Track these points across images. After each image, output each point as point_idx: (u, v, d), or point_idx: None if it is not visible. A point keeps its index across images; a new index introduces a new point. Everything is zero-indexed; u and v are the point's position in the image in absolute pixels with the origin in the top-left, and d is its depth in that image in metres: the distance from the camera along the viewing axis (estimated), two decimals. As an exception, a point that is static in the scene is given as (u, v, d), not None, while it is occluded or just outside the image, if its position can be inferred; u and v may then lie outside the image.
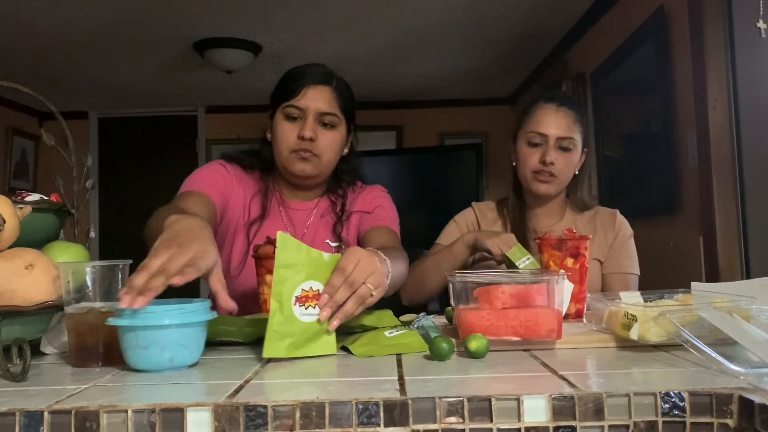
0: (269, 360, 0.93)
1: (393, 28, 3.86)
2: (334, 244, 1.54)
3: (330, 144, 1.46)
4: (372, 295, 0.99)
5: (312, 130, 1.43)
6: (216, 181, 1.46)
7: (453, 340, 0.92)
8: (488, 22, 3.78)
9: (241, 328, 1.06)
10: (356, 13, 3.62)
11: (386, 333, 1.02)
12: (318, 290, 0.96)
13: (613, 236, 1.66)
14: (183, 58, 4.33)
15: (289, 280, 0.94)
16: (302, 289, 0.95)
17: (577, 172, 1.66)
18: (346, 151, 1.55)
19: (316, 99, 1.44)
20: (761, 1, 1.79)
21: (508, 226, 1.68)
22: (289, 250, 0.96)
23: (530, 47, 4.20)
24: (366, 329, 1.11)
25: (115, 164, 5.61)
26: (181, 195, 1.40)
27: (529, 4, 3.50)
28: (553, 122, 1.59)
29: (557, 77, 4.01)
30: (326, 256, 0.99)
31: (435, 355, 0.90)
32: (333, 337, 0.97)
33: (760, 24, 1.79)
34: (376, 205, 1.56)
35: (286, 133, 1.44)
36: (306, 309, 0.95)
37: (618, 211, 1.71)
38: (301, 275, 0.95)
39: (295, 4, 3.47)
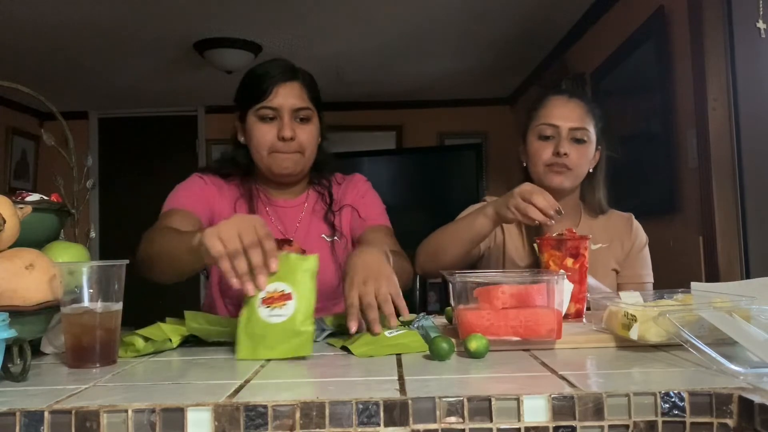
0: (269, 360, 0.93)
1: (393, 28, 3.86)
2: (329, 239, 1.53)
3: (309, 138, 1.46)
4: (391, 293, 1.05)
5: (291, 129, 1.42)
6: (198, 196, 1.46)
7: (453, 340, 0.92)
8: (488, 22, 3.78)
9: (234, 329, 1.06)
10: (356, 13, 3.62)
11: (386, 333, 1.02)
12: (283, 291, 0.96)
13: (629, 245, 1.61)
14: (183, 58, 4.33)
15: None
16: (267, 292, 0.96)
17: (591, 170, 1.59)
18: (319, 140, 1.53)
19: (289, 96, 1.43)
20: (761, 1, 1.79)
21: (523, 227, 1.61)
22: None
23: (530, 47, 4.20)
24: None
25: (115, 164, 5.60)
26: (167, 214, 1.41)
27: (529, 4, 3.50)
28: (565, 113, 1.53)
29: (557, 77, 4.00)
30: (292, 256, 0.99)
31: (435, 355, 0.90)
32: (307, 339, 0.95)
33: (760, 24, 1.79)
34: (366, 202, 1.57)
35: (263, 135, 1.43)
36: (272, 310, 0.96)
37: (633, 216, 1.65)
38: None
39: (295, 4, 3.47)
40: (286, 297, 0.96)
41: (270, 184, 1.53)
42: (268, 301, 0.96)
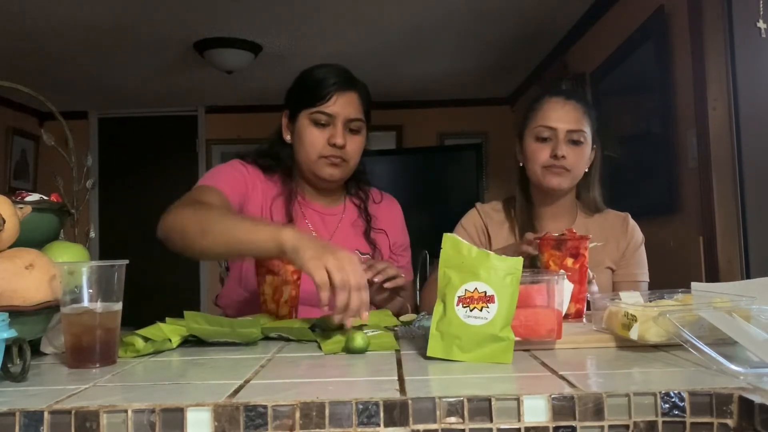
0: (270, 359, 0.93)
1: (393, 28, 3.86)
2: (364, 254, 1.54)
3: (357, 149, 1.48)
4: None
5: (343, 137, 1.44)
6: (236, 182, 1.45)
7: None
8: (488, 22, 3.78)
9: (234, 329, 1.06)
10: (356, 13, 3.62)
11: (364, 332, 1.03)
12: (484, 292, 0.90)
13: (625, 244, 1.62)
14: (183, 58, 4.33)
15: (452, 281, 0.92)
16: (465, 290, 0.91)
17: (587, 170, 1.61)
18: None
19: (345, 105, 1.44)
20: (761, 2, 1.79)
21: (516, 229, 1.63)
22: (452, 250, 0.93)
23: (530, 47, 4.20)
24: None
25: (115, 164, 5.60)
26: (201, 189, 1.39)
27: (529, 4, 3.50)
28: (562, 115, 1.54)
29: (557, 77, 4.01)
30: (493, 256, 0.92)
31: (350, 349, 0.96)
32: (508, 347, 0.89)
33: (760, 24, 1.79)
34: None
35: (315, 139, 1.44)
36: (471, 311, 0.90)
37: (629, 216, 1.66)
38: (464, 276, 0.91)
39: (295, 4, 3.47)
40: (487, 299, 0.90)
41: (309, 186, 1.54)
42: (466, 301, 0.90)
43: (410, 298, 1.64)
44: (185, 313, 1.08)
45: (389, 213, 1.64)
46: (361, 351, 0.96)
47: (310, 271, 1.00)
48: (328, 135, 1.44)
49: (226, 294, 1.56)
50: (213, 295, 1.64)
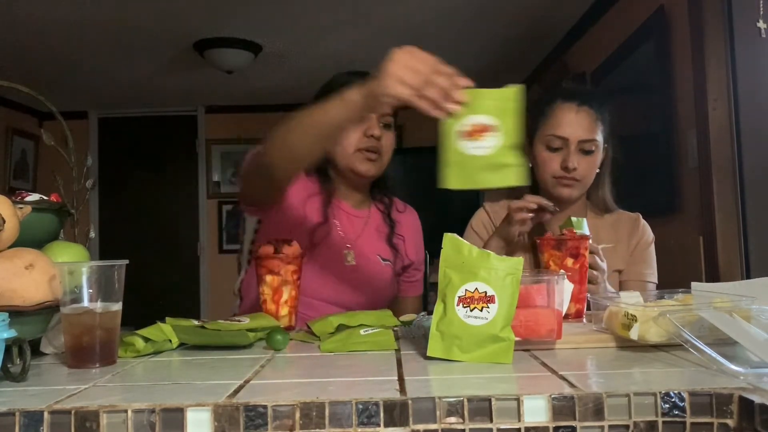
0: (269, 359, 0.93)
1: (393, 28, 3.86)
2: (384, 261, 1.57)
3: (390, 144, 1.53)
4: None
5: (379, 129, 1.48)
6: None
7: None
8: (488, 22, 3.78)
9: (214, 339, 1.05)
10: (356, 12, 3.62)
11: (361, 332, 1.05)
12: (484, 292, 0.90)
13: (635, 243, 1.58)
14: (183, 58, 4.33)
15: (452, 281, 0.92)
16: (466, 290, 0.91)
17: (597, 170, 1.56)
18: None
19: None
20: (761, 1, 1.79)
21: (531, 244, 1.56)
22: (452, 250, 0.93)
23: (530, 47, 4.20)
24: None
25: (115, 164, 5.60)
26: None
27: (529, 4, 3.51)
28: (574, 124, 1.48)
29: (557, 77, 4.01)
30: (493, 256, 0.92)
31: (270, 344, 1.01)
32: (508, 347, 0.89)
33: (760, 24, 1.79)
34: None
35: (351, 134, 1.47)
36: (471, 311, 0.90)
37: (641, 216, 1.63)
38: (464, 276, 0.92)
39: (295, 4, 3.47)
40: (487, 300, 0.90)
41: (342, 184, 1.56)
42: (467, 301, 0.90)
43: (418, 312, 1.64)
44: (173, 326, 1.07)
45: (410, 224, 1.68)
46: (281, 346, 1.01)
47: (394, 98, 1.03)
48: (364, 128, 1.48)
49: (247, 287, 1.57)
50: (213, 295, 1.64)
